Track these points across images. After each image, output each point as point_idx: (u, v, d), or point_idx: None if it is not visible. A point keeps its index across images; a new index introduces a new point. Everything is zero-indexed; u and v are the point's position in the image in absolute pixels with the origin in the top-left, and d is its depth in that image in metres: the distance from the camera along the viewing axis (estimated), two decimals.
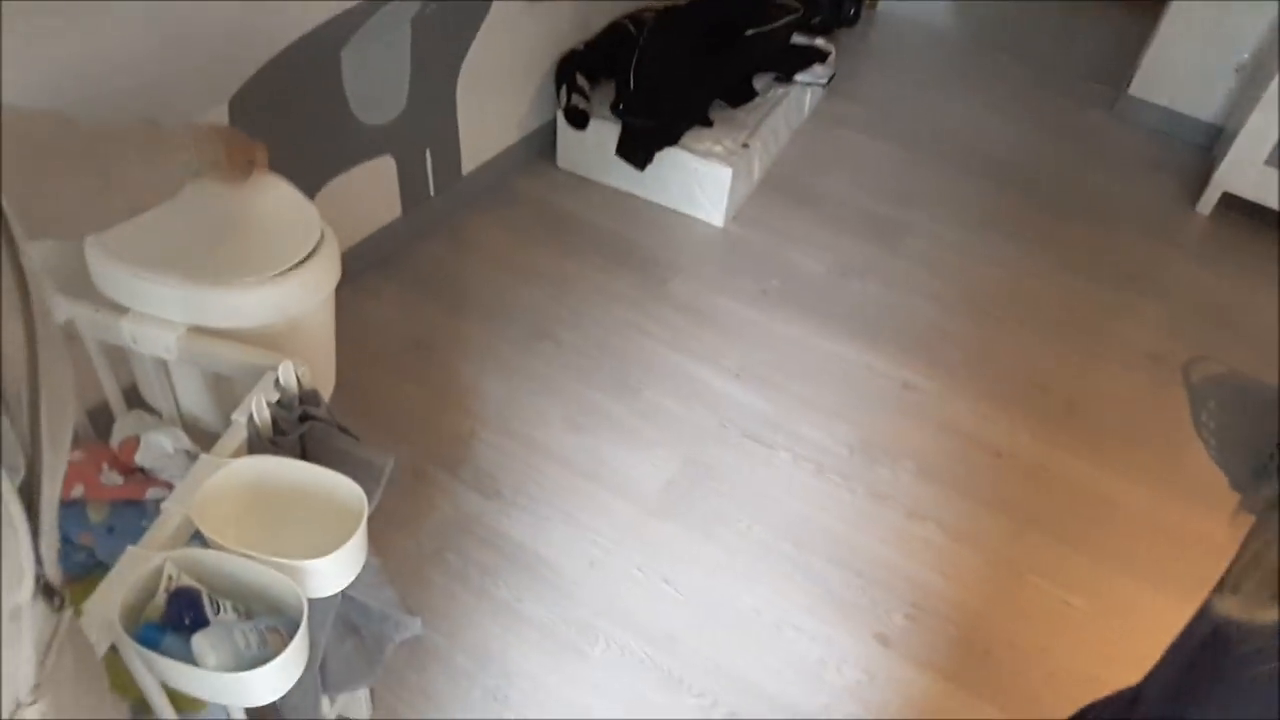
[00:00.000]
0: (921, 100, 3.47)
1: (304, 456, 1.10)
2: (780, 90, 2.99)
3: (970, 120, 3.38)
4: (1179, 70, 3.24)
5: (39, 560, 0.45)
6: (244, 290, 1.14)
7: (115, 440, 1.27)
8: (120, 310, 1.16)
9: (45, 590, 0.47)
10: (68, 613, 0.54)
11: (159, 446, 1.20)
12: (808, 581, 1.89)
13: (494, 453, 2.08)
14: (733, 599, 1.85)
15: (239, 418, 1.05)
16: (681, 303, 2.51)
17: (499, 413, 2.17)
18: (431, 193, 2.60)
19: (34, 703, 0.49)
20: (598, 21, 2.89)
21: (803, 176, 3.01)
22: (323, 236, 1.24)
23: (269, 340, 1.15)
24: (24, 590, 0.45)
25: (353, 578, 1.00)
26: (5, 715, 0.48)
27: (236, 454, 1.04)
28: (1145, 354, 2.49)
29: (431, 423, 2.14)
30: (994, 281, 2.68)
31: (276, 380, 1.08)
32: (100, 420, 1.41)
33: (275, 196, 1.26)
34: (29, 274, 0.44)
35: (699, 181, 2.70)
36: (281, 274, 1.17)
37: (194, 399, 1.29)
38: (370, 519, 1.02)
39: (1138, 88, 3.36)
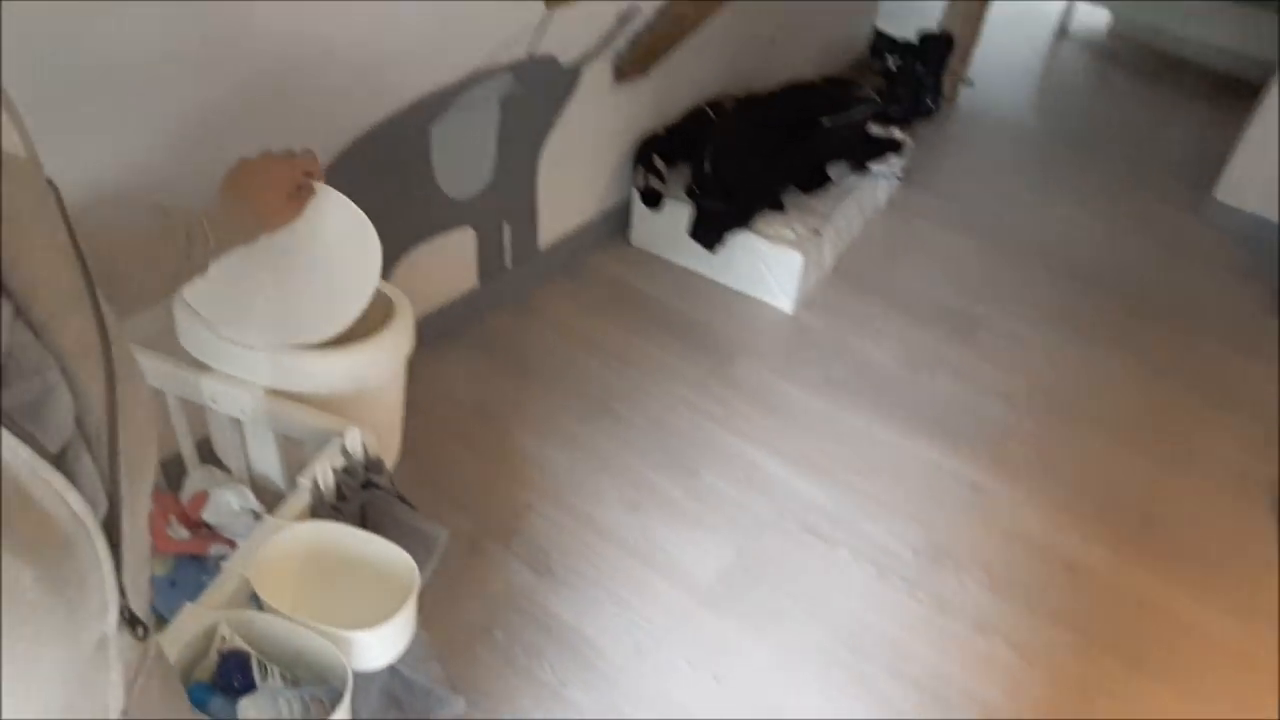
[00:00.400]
0: (999, 194, 3.45)
1: (364, 522, 1.11)
2: (855, 179, 3.01)
3: (1050, 216, 3.34)
4: (1266, 177, 3.17)
5: (123, 592, 0.47)
6: (321, 357, 1.17)
7: (186, 494, 1.30)
8: (202, 369, 1.21)
9: (130, 620, 0.48)
10: (154, 640, 0.56)
11: (226, 504, 1.23)
12: (863, 691, 1.81)
13: (549, 527, 2.07)
14: (783, 703, 1.78)
15: (304, 481, 1.07)
16: (745, 386, 2.50)
17: (557, 486, 2.17)
18: (508, 265, 2.66)
19: None
20: (678, 107, 2.96)
21: (875, 266, 2.99)
22: (398, 308, 1.27)
23: (341, 406, 1.18)
24: (109, 621, 0.47)
25: (399, 652, 1.00)
26: None
27: (299, 517, 1.05)
28: (1230, 471, 2.37)
29: (490, 492, 2.14)
30: (1070, 383, 2.61)
31: (343, 447, 1.10)
32: (172, 471, 1.45)
33: (337, 219, 1.23)
34: (106, 313, 0.46)
35: (769, 265, 2.71)
36: (357, 343, 1.20)
37: (264, 459, 1.32)
38: (422, 590, 1.01)
39: (1224, 192, 3.29)
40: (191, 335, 1.21)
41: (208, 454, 1.43)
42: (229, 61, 1.44)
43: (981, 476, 2.29)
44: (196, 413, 1.35)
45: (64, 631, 0.42)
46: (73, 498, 0.41)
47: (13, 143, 0.42)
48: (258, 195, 0.99)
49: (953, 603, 1.99)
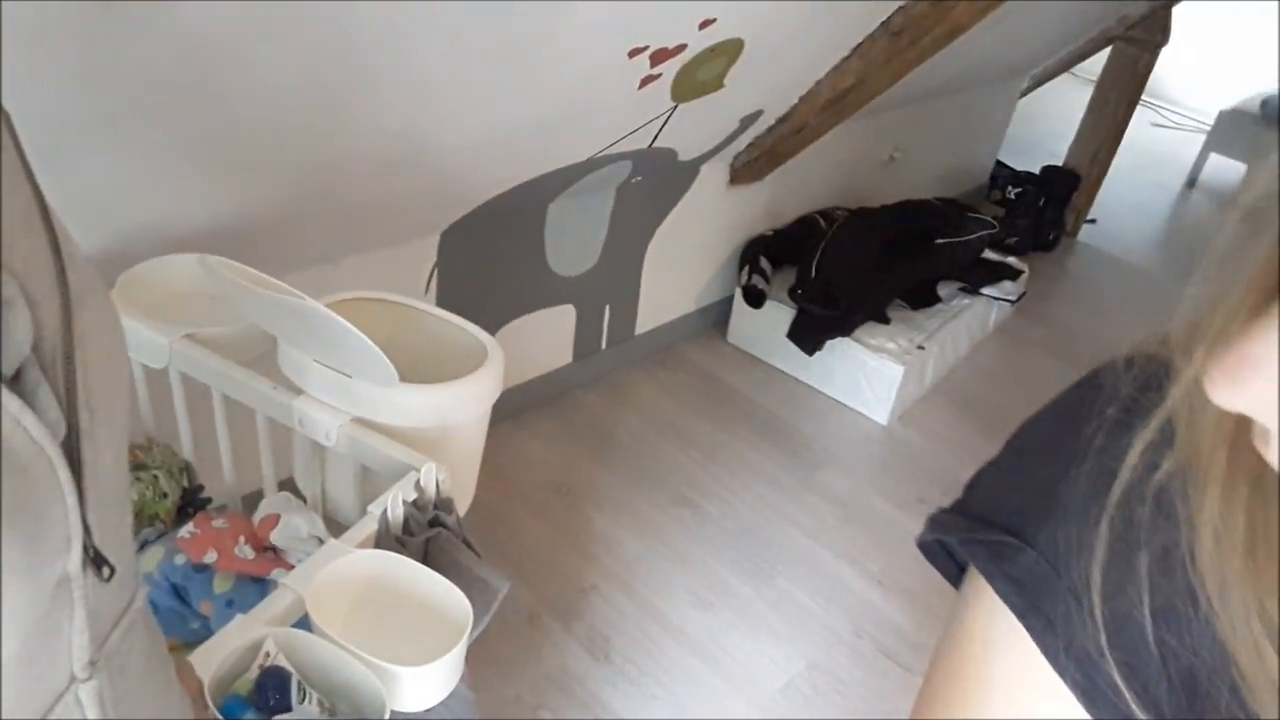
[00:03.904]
0: (1112, 330, 3.31)
1: (425, 562, 1.09)
2: (966, 301, 2.94)
3: None
4: None
5: (87, 530, 0.44)
6: (410, 390, 1.18)
7: (258, 516, 1.31)
8: (295, 391, 1.23)
9: (96, 560, 0.45)
10: (140, 596, 0.52)
11: (295, 528, 1.23)
12: None
13: (612, 612, 2.00)
14: None
15: (374, 509, 1.06)
16: (831, 494, 2.40)
17: (625, 571, 2.11)
18: (603, 346, 2.68)
19: (89, 679, 0.47)
20: (790, 212, 2.99)
21: (977, 390, 2.89)
22: (490, 353, 1.27)
23: (422, 444, 1.17)
24: (73, 558, 0.44)
25: (442, 696, 0.95)
26: (59, 689, 0.46)
27: (363, 545, 1.04)
28: None
29: (555, 568, 2.10)
30: None
31: (418, 480, 1.09)
32: (253, 503, 1.47)
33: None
34: (63, 238, 0.45)
35: (867, 376, 2.65)
36: (447, 381, 1.21)
37: (341, 491, 1.32)
38: (475, 656, 0.98)
39: None
40: (290, 359, 1.24)
41: (288, 485, 1.45)
42: (355, 126, 1.51)
43: None
44: (282, 444, 1.37)
45: (20, 567, 0.39)
46: (29, 421, 0.39)
47: None
48: None
49: None
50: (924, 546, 0.47)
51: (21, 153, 0.43)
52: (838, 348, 2.67)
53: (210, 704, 0.84)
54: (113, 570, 0.46)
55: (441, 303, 2.12)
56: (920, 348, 2.66)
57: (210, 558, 1.20)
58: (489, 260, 2.21)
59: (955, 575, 0.47)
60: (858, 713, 1.84)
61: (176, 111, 1.24)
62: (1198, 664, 0.34)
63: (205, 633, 1.21)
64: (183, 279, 1.34)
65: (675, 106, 1.98)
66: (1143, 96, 3.76)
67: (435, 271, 2.10)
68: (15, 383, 0.39)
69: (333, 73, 1.31)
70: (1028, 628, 0.38)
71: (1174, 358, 0.35)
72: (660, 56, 1.71)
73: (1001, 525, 0.41)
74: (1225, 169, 4.77)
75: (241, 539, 1.24)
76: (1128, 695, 0.35)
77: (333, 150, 1.51)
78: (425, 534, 1.08)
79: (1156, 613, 0.35)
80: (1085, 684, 0.37)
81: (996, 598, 0.40)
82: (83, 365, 0.43)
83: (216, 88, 1.23)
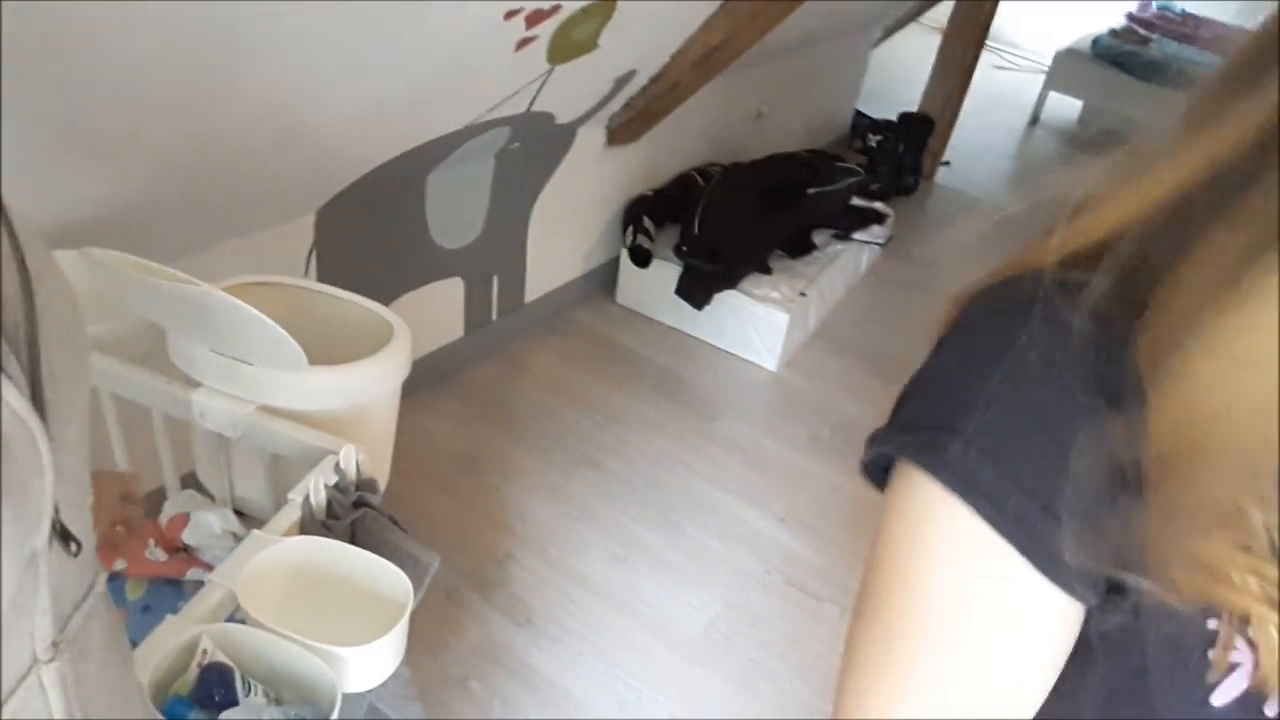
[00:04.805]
0: (973, 264, 3.52)
1: (353, 543, 1.08)
2: (839, 246, 3.06)
3: None
4: None
5: (55, 505, 0.43)
6: (316, 374, 1.16)
7: (165, 517, 1.26)
8: (193, 384, 1.18)
9: (62, 535, 0.44)
10: (100, 578, 0.51)
11: (207, 526, 1.19)
12: None
13: (529, 578, 2.02)
14: None
15: (295, 497, 1.04)
16: (730, 442, 2.49)
17: (538, 537, 2.13)
18: (494, 316, 2.66)
19: (51, 660, 0.46)
20: (667, 171, 3.03)
21: (857, 330, 3.03)
22: (396, 329, 1.26)
23: (332, 427, 1.15)
24: (41, 533, 0.43)
25: (389, 673, 0.96)
26: (22, 669, 0.45)
27: (288, 533, 1.02)
28: None
29: (470, 541, 2.10)
30: None
31: (337, 463, 1.08)
32: (155, 501, 1.41)
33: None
34: (14, 214, 0.44)
35: (755, 325, 2.74)
36: (353, 361, 1.19)
37: (249, 483, 1.29)
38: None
39: None
40: (182, 351, 1.19)
41: (189, 482, 1.39)
42: (222, 100, 1.44)
43: None
44: (180, 439, 1.32)
45: (11, 544, 0.39)
46: (12, 395, 0.38)
47: None
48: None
49: None
50: (866, 471, 0.51)
51: None
52: (725, 300, 2.74)
53: (151, 708, 0.82)
54: (80, 545, 0.45)
55: (324, 282, 2.05)
56: (802, 294, 2.77)
57: (119, 565, 1.16)
58: (370, 236, 2.15)
59: None
60: (776, 644, 1.94)
61: (29, 92, 1.15)
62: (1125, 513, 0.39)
63: None
64: None
65: (551, 69, 1.97)
66: (986, 41, 3.97)
67: (314, 251, 2.03)
68: None
69: (195, 47, 1.24)
70: (962, 495, 0.42)
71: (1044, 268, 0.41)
72: (536, 18, 1.70)
73: (929, 426, 0.45)
74: (1064, 105, 5.10)
75: (151, 542, 1.19)
76: (1059, 539, 0.40)
77: (198, 129, 1.44)
78: (351, 516, 1.07)
79: (1080, 476, 0.40)
80: (1020, 535, 0.41)
81: (929, 483, 0.43)
82: (45, 340, 0.42)
83: (70, 65, 1.15)
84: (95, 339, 1.20)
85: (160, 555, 1.18)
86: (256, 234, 1.87)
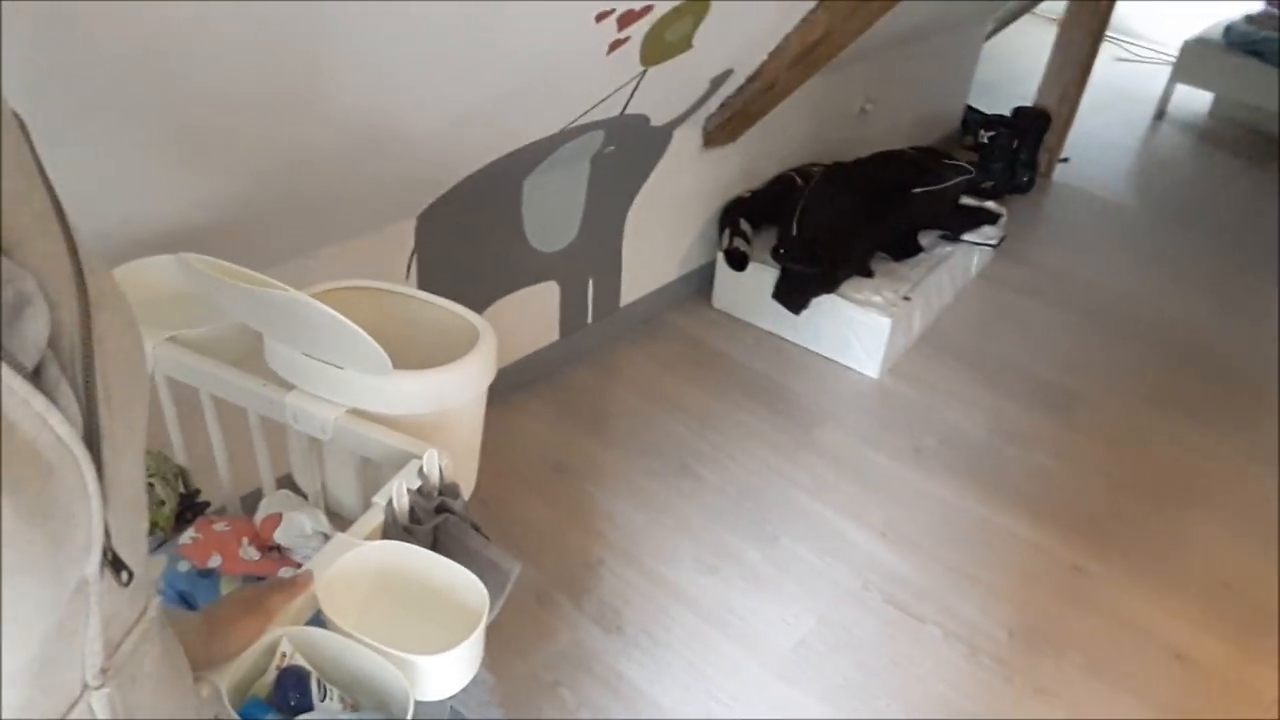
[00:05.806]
0: (1095, 269, 3.32)
1: (435, 549, 1.07)
2: (947, 248, 2.94)
3: (1148, 292, 3.19)
4: None
5: (107, 532, 0.43)
6: (400, 378, 1.16)
7: (259, 516, 1.29)
8: (286, 387, 1.20)
9: (114, 563, 0.44)
10: (153, 604, 0.51)
11: (299, 525, 1.21)
12: None
13: (621, 585, 2.00)
14: None
15: (378, 500, 1.04)
16: (828, 452, 2.41)
17: (630, 544, 2.10)
18: (589, 320, 2.65)
19: (101, 687, 0.46)
20: (765, 172, 2.96)
21: (965, 336, 2.89)
22: (482, 334, 1.25)
23: (419, 431, 1.15)
24: (92, 561, 0.43)
25: (465, 682, 0.94)
26: (73, 696, 0.45)
27: (371, 537, 1.02)
28: None
29: (561, 546, 2.09)
30: (1172, 463, 2.44)
31: (420, 468, 1.08)
32: (252, 503, 1.44)
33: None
34: (79, 240, 0.44)
35: (855, 331, 2.65)
36: (441, 366, 1.19)
37: (341, 485, 1.30)
38: (489, 640, 0.97)
39: None
40: (277, 354, 1.21)
41: (286, 483, 1.42)
42: (314, 105, 1.47)
43: (1082, 558, 2.13)
44: (277, 440, 1.35)
45: (45, 568, 0.39)
46: (55, 420, 0.38)
47: None
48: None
49: (1050, 689, 1.83)
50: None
51: (36, 156, 0.42)
52: (824, 305, 2.66)
53: (229, 708, 0.83)
54: (131, 575, 0.45)
55: (423, 287, 2.08)
56: (906, 298, 2.66)
57: (215, 562, 1.19)
58: (468, 241, 2.17)
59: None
60: (871, 665, 1.86)
61: (145, 106, 1.20)
62: None
63: None
64: (160, 281, 1.31)
65: (645, 71, 1.95)
66: (1106, 32, 3.74)
67: (415, 256, 2.06)
68: (36, 379, 0.39)
69: (293, 60, 1.27)
70: None
71: None
72: (627, 19, 1.68)
73: None
74: (1192, 99, 4.77)
75: (245, 541, 1.22)
76: None
77: (299, 139, 1.47)
78: (432, 521, 1.06)
79: None
80: None
81: None
82: (102, 366, 0.42)
83: (178, 81, 1.19)
84: (195, 341, 1.24)
85: (254, 554, 1.21)
86: (357, 239, 1.91)
